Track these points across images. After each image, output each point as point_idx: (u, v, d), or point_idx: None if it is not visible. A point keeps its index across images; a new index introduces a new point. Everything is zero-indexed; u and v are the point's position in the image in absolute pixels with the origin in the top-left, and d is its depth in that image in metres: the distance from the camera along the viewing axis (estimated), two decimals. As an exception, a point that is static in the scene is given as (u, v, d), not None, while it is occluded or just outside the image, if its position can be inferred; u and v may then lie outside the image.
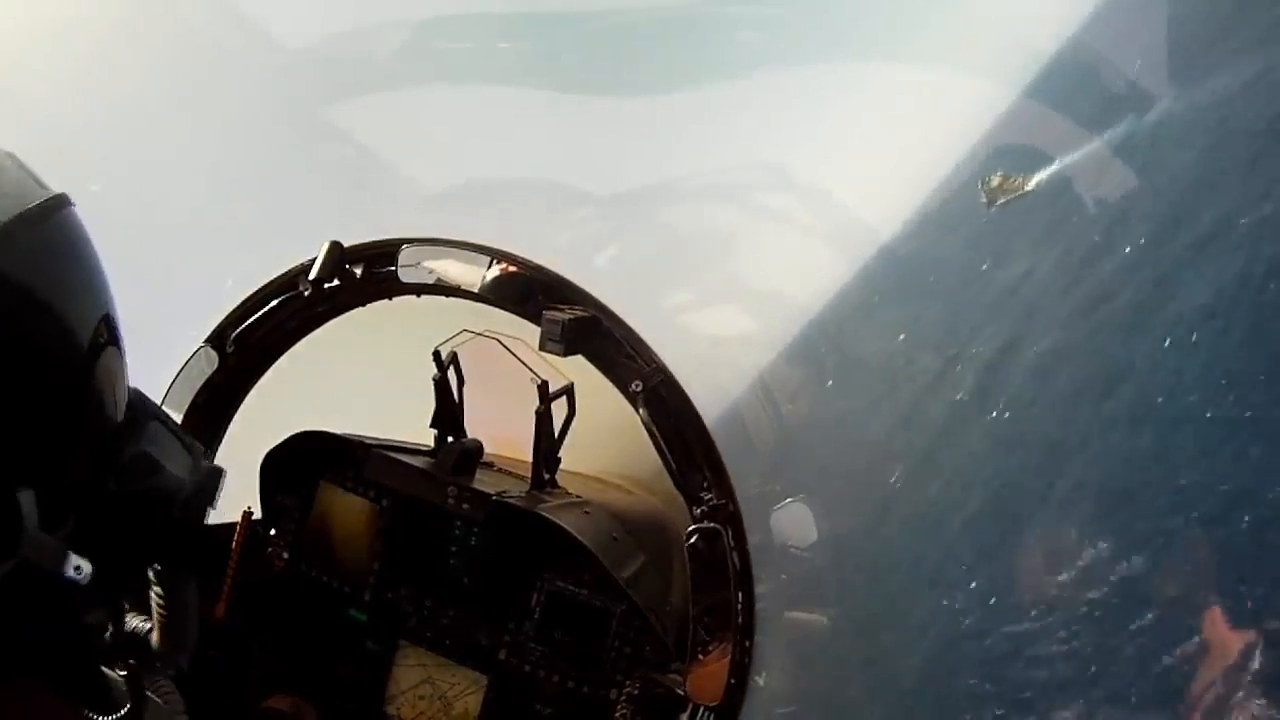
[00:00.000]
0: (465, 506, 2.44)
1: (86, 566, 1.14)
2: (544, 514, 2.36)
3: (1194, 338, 1.94)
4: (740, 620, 2.13)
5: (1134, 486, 2.07)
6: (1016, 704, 2.17)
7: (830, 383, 2.40)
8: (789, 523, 2.21)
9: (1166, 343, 1.98)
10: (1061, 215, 2.18)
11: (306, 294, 2.41)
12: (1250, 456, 1.90)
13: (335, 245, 2.39)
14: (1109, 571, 2.06)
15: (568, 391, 2.56)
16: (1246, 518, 1.89)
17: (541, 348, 2.22)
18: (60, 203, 1.10)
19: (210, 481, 1.32)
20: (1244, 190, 1.92)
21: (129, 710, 1.37)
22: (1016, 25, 2.19)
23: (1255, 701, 1.87)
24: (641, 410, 2.17)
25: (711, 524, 2.13)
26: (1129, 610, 2.02)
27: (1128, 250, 2.07)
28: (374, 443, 2.56)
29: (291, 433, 2.52)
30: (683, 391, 2.17)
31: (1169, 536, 2.01)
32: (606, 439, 2.73)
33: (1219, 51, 2.00)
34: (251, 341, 2.48)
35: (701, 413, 2.17)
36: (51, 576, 1.13)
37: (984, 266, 2.24)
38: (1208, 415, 1.97)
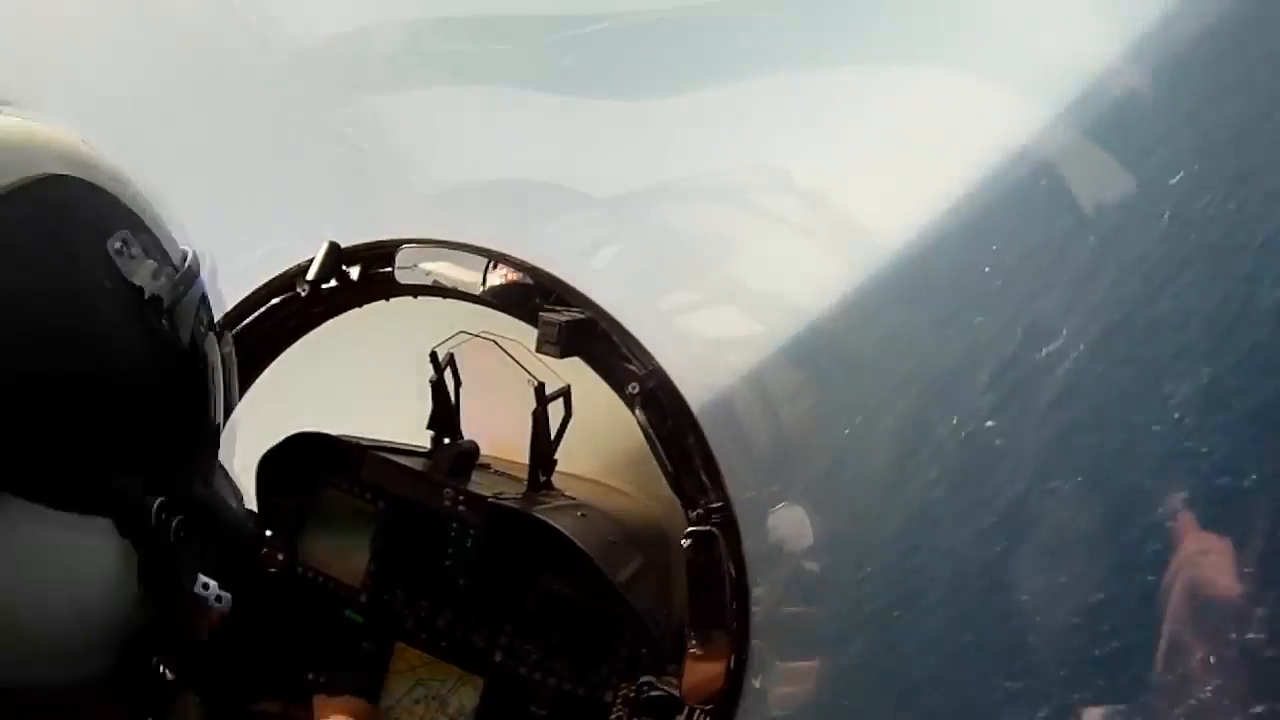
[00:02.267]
0: (461, 508, 2.44)
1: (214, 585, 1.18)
2: (540, 516, 2.36)
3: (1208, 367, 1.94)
4: (736, 623, 2.13)
5: (1148, 488, 2.06)
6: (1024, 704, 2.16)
7: (829, 387, 2.40)
8: (785, 526, 2.21)
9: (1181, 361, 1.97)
10: (1069, 229, 2.17)
11: (303, 295, 2.41)
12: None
13: (332, 246, 2.39)
14: (1120, 574, 2.05)
15: (564, 394, 2.55)
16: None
17: (538, 349, 2.21)
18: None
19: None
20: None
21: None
22: (1030, 37, 2.18)
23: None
24: (638, 412, 2.17)
25: (707, 527, 2.13)
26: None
27: (1133, 261, 2.07)
28: (370, 444, 2.57)
29: (288, 434, 2.52)
30: (679, 394, 2.17)
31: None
32: (603, 442, 2.72)
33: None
34: (247, 342, 2.48)
35: (698, 415, 2.17)
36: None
37: (990, 276, 2.23)
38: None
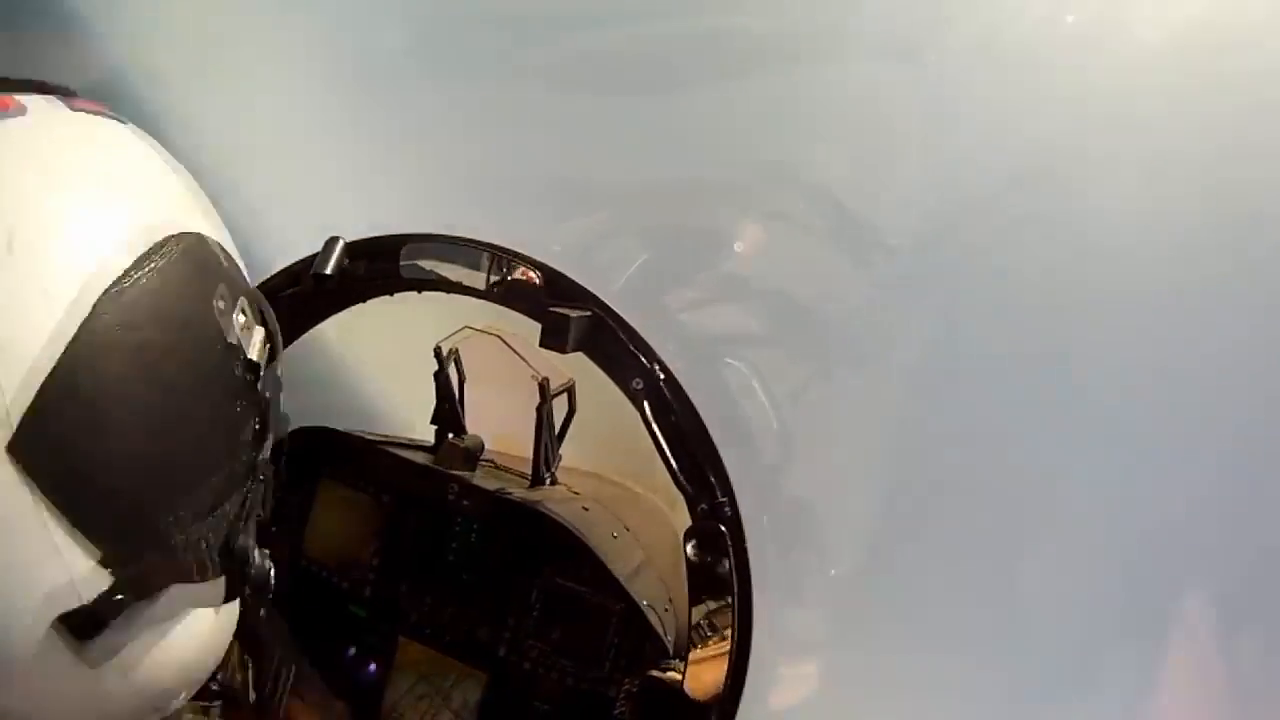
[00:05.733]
0: (466, 502, 2.45)
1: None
2: (544, 510, 2.37)
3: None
4: (739, 619, 2.13)
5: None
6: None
7: (833, 383, 2.39)
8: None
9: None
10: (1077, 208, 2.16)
11: (308, 289, 2.41)
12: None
13: (337, 241, 2.39)
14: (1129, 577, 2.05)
15: (569, 389, 2.56)
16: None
17: (542, 344, 2.22)
18: None
19: None
20: None
21: None
22: (1025, 29, 2.17)
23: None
24: (643, 408, 2.17)
25: (711, 523, 2.13)
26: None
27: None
28: (375, 438, 2.57)
29: (292, 428, 2.51)
30: (683, 390, 2.17)
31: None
32: (608, 437, 2.73)
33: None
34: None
35: (702, 412, 2.17)
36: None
37: (994, 267, 2.22)
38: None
